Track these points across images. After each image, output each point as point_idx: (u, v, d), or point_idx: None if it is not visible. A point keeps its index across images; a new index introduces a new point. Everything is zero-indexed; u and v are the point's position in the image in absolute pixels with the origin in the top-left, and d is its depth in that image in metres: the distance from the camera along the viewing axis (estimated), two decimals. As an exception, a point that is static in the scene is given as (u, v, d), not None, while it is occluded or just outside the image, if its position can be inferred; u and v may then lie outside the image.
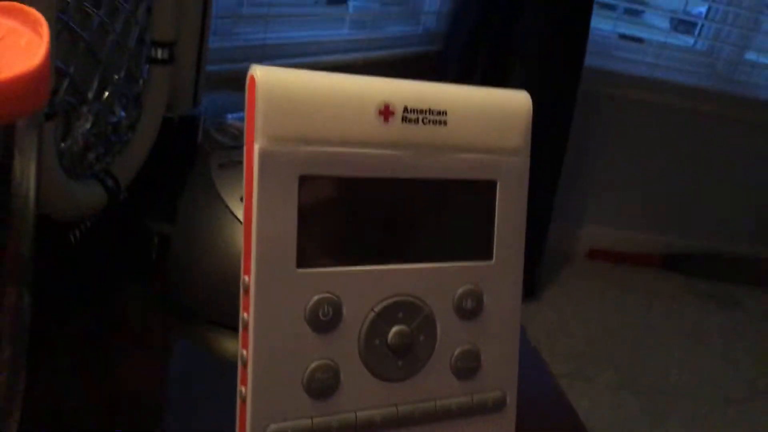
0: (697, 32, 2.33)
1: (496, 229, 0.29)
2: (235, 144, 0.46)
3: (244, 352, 0.26)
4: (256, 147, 0.25)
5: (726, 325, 2.13)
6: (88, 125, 0.40)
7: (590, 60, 1.91)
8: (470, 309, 0.29)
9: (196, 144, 0.48)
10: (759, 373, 1.86)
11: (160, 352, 0.42)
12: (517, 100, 0.29)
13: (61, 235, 0.42)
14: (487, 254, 0.29)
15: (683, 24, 2.37)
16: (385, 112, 0.26)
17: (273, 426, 0.26)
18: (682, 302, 2.24)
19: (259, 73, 0.25)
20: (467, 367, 0.29)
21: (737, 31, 2.26)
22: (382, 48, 1.66)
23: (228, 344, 0.40)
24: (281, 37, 1.39)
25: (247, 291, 0.26)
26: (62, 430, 0.34)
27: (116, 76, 0.42)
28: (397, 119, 0.27)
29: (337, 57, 1.48)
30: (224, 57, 1.19)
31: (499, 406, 0.30)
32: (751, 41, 2.29)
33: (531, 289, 2.01)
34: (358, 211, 0.27)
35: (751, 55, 2.31)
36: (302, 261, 0.26)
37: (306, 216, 0.26)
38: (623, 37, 2.27)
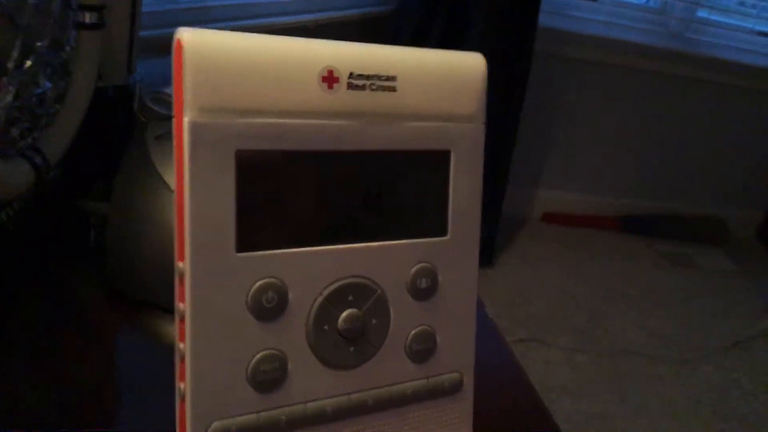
0: (649, -10, 2.33)
1: (450, 202, 0.27)
2: (173, 114, 0.43)
3: (182, 345, 0.24)
4: (186, 120, 0.22)
5: (680, 285, 2.17)
6: (9, 97, 0.37)
7: (544, 20, 1.89)
8: (424, 288, 0.27)
9: (132, 115, 0.45)
10: (712, 331, 1.90)
11: (103, 340, 0.40)
12: (471, 64, 0.27)
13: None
14: (441, 230, 0.27)
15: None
16: (329, 78, 0.24)
17: (216, 424, 0.24)
18: (638, 263, 2.27)
19: (187, 36, 0.22)
20: (423, 350, 0.27)
21: (689, -12, 2.27)
22: (334, 9, 1.61)
23: (171, 329, 0.38)
24: (226, -2, 1.34)
25: (182, 279, 0.23)
26: (6, 423, 0.32)
27: (39, 44, 0.39)
28: (342, 86, 0.24)
29: (286, 19, 1.44)
30: (161, 21, 1.13)
31: (456, 388, 0.29)
32: (702, -1, 2.30)
33: (489, 257, 2.01)
34: (302, 188, 0.25)
35: (702, 13, 2.33)
36: (242, 244, 0.24)
37: (245, 195, 0.23)
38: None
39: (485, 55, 0.28)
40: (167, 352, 0.37)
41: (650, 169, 2.51)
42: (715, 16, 2.35)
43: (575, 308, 1.90)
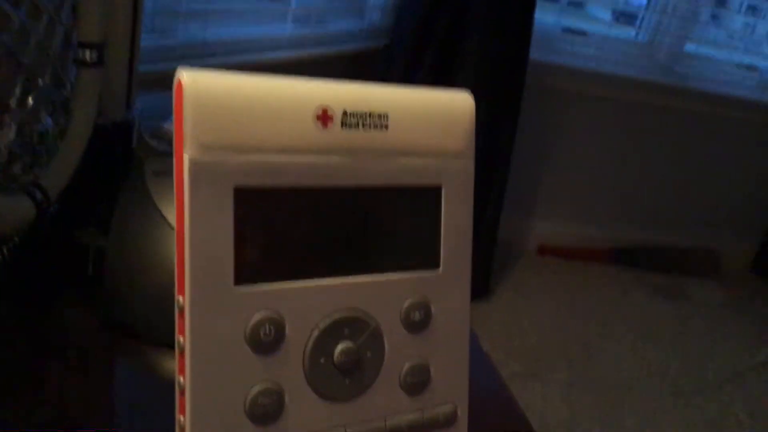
0: (638, 24, 2.36)
1: (442, 236, 0.28)
2: (171, 150, 0.43)
3: (181, 378, 0.24)
4: (186, 157, 0.23)
5: (674, 317, 2.17)
6: (11, 135, 0.38)
7: (534, 53, 1.92)
8: (418, 321, 0.28)
9: (131, 150, 0.46)
10: (707, 364, 1.90)
11: (101, 375, 0.40)
12: (460, 101, 0.28)
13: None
14: (433, 263, 0.28)
15: (624, 16, 2.41)
16: (323, 117, 0.25)
17: (214, 455, 0.24)
18: (631, 295, 2.28)
19: (187, 77, 0.23)
20: (417, 382, 0.28)
21: (677, 22, 2.31)
22: (327, 44, 1.64)
23: (171, 364, 0.39)
24: (221, 33, 1.36)
25: (182, 312, 0.24)
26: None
27: (41, 81, 0.40)
28: (336, 124, 0.25)
29: (280, 54, 1.46)
30: (162, 56, 1.15)
31: (450, 420, 0.29)
32: (690, 33, 2.34)
33: (485, 288, 2.01)
34: (299, 223, 0.25)
35: (690, 47, 2.36)
36: (240, 277, 0.24)
37: (243, 229, 0.24)
38: (567, 30, 2.29)
39: (477, 87, 0.29)
40: (164, 384, 0.37)
41: (642, 201, 2.53)
42: (702, 50, 2.39)
43: (570, 341, 1.90)
